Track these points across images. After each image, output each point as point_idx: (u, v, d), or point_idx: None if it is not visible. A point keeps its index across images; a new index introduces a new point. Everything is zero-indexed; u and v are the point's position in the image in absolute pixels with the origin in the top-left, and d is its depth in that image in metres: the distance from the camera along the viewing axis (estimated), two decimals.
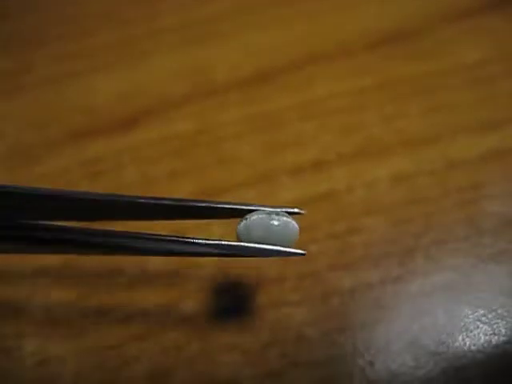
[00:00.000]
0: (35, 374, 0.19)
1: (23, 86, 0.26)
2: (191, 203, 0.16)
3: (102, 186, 0.23)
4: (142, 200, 0.16)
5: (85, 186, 0.22)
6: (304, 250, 0.16)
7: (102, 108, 0.25)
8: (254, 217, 0.15)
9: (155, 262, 0.21)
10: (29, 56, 0.27)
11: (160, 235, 0.15)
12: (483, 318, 0.19)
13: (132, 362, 0.19)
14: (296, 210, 0.16)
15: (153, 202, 0.16)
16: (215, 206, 0.16)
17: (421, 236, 0.21)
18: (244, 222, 0.16)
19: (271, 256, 0.15)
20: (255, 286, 0.20)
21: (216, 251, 0.15)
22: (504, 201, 0.21)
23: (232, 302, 0.20)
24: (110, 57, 0.27)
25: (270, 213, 0.16)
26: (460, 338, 0.19)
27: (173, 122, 0.24)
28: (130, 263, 0.21)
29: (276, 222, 0.15)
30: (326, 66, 0.25)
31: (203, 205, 0.16)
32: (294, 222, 0.16)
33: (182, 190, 0.22)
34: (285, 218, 0.16)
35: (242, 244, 0.15)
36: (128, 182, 0.23)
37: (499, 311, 0.19)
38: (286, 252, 0.15)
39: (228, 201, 0.16)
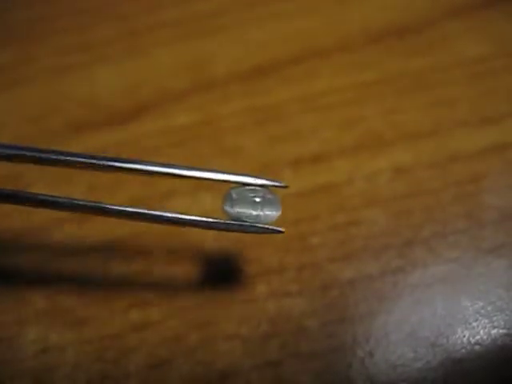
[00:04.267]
0: (35, 363, 0.19)
1: (23, 79, 0.26)
2: (176, 170, 0.17)
3: (102, 178, 0.23)
4: (121, 164, 0.16)
5: (85, 177, 0.22)
6: (283, 228, 0.17)
7: (103, 101, 0.25)
8: (238, 208, 0.16)
9: (156, 252, 0.21)
10: (29, 49, 0.27)
11: (145, 209, 0.16)
12: (482, 311, 0.19)
13: (131, 351, 0.19)
14: (281, 184, 0.17)
15: (138, 166, 0.16)
16: (200, 175, 0.17)
17: (421, 228, 0.21)
18: (229, 209, 0.16)
19: (251, 232, 0.16)
20: (255, 276, 0.20)
21: (200, 225, 0.16)
22: (504, 194, 0.21)
23: (232, 293, 0.20)
24: (111, 50, 0.27)
25: (254, 190, 0.16)
26: (459, 330, 0.19)
27: (174, 115, 0.24)
28: (130, 253, 0.21)
29: (257, 199, 0.16)
30: (326, 60, 0.25)
31: (189, 174, 0.17)
32: (277, 212, 0.16)
33: (182, 182, 0.22)
34: (268, 213, 0.16)
35: (224, 221, 0.16)
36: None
37: (498, 304, 0.19)
38: (264, 229, 0.16)
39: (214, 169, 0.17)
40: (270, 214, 0.16)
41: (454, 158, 0.22)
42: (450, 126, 0.23)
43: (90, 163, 0.16)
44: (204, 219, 0.16)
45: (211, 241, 0.21)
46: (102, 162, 0.16)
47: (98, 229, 0.21)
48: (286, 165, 0.22)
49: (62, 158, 0.16)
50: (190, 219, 0.16)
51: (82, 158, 0.16)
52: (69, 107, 0.25)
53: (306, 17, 0.27)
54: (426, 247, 0.20)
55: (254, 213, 0.16)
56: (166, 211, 0.16)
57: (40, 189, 0.22)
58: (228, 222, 0.16)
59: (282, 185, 0.17)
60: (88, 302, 0.20)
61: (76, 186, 0.22)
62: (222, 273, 0.20)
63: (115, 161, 0.16)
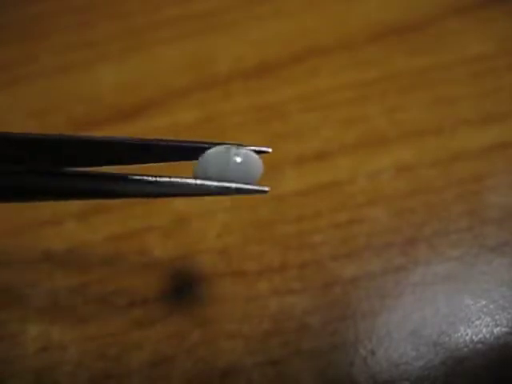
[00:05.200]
0: (37, 361, 0.19)
1: (26, 76, 0.26)
2: (152, 142, 0.15)
3: None
4: (98, 139, 0.15)
5: None
6: (267, 187, 0.14)
7: (105, 98, 0.25)
8: (211, 152, 0.14)
9: (157, 250, 0.21)
10: (32, 47, 0.27)
11: (119, 174, 0.14)
12: (485, 309, 0.19)
13: (134, 349, 0.19)
14: (263, 149, 0.15)
15: (112, 140, 0.15)
16: (175, 144, 0.15)
17: (423, 226, 0.21)
18: (200, 158, 0.14)
19: (230, 194, 0.14)
20: (257, 274, 0.20)
21: (168, 190, 0.14)
22: (506, 192, 0.21)
23: (234, 291, 0.20)
24: (114, 47, 0.27)
25: (228, 148, 0.14)
26: (461, 328, 0.19)
27: (176, 112, 0.24)
28: (131, 251, 0.21)
29: (237, 158, 0.14)
30: (329, 58, 0.25)
31: (164, 144, 0.15)
32: (256, 157, 0.14)
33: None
34: (246, 152, 0.14)
35: (196, 182, 0.14)
36: (130, 171, 0.23)
37: (501, 302, 0.19)
38: (246, 189, 0.14)
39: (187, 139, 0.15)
40: (253, 172, 0.14)
41: (457, 156, 0.22)
42: (453, 125, 0.23)
43: None
44: (186, 181, 0.14)
45: (212, 239, 0.21)
46: None
47: (99, 225, 0.21)
48: (289, 163, 0.22)
49: None
50: (167, 181, 0.14)
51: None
52: (71, 104, 0.25)
53: (307, 15, 0.27)
54: (428, 245, 0.20)
55: (227, 154, 0.14)
56: (134, 174, 0.14)
57: None
58: (212, 184, 0.14)
59: (264, 149, 0.15)
60: (89, 300, 0.20)
61: None
62: (223, 270, 0.20)
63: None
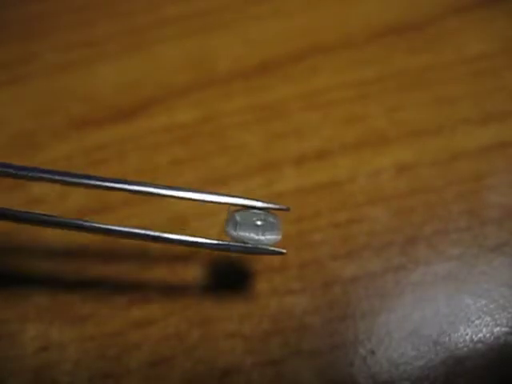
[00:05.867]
0: (36, 360, 0.19)
1: (25, 75, 0.26)
2: (175, 192, 0.17)
3: (104, 175, 0.22)
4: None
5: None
6: (284, 249, 0.17)
7: (105, 97, 0.25)
8: (241, 232, 0.17)
9: (157, 250, 0.21)
10: (31, 45, 0.27)
11: (156, 232, 0.17)
12: (485, 309, 0.19)
13: (133, 349, 0.19)
14: (283, 207, 0.17)
15: (139, 188, 0.17)
16: (204, 198, 0.17)
17: (423, 226, 0.21)
18: (232, 232, 0.17)
19: (253, 253, 0.17)
20: (257, 273, 0.20)
21: (203, 246, 0.17)
22: (506, 192, 0.21)
23: (233, 290, 0.20)
24: (113, 46, 0.27)
25: (257, 220, 0.17)
26: (461, 328, 0.19)
27: (176, 112, 0.24)
28: (131, 250, 0.21)
29: (260, 223, 0.17)
30: (328, 57, 0.25)
31: (192, 196, 0.17)
32: (278, 236, 0.17)
33: (185, 179, 0.22)
34: (270, 237, 0.17)
35: (228, 243, 0.17)
36: (131, 171, 0.23)
37: (501, 302, 0.19)
38: (267, 251, 0.17)
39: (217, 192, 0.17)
40: (271, 238, 0.17)
41: (457, 155, 0.22)
42: (453, 124, 0.23)
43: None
44: (207, 241, 0.17)
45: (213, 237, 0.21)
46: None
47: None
48: (288, 162, 0.22)
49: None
50: (192, 241, 0.17)
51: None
52: (70, 104, 0.25)
53: (307, 14, 0.27)
54: (428, 245, 0.20)
55: (256, 237, 0.17)
56: (168, 232, 0.17)
57: None
58: (231, 243, 0.17)
59: (284, 208, 0.17)
60: (89, 299, 0.20)
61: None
62: (223, 270, 0.20)
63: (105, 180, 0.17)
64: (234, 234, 0.17)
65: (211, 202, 0.17)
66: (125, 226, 0.17)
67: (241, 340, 0.19)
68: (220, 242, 0.17)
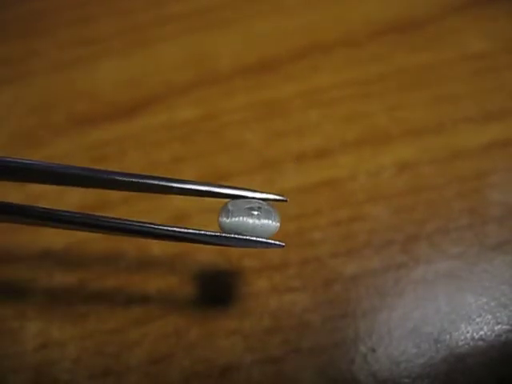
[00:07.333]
0: (36, 357, 0.19)
1: (27, 72, 0.26)
2: (182, 185, 0.16)
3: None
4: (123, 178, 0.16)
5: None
6: (283, 242, 0.16)
7: (106, 94, 0.25)
8: (234, 218, 0.16)
9: (156, 247, 0.21)
10: (32, 43, 0.27)
11: (154, 224, 0.16)
12: (486, 307, 0.19)
13: (132, 346, 0.19)
14: (280, 198, 0.16)
15: (134, 179, 0.16)
16: (201, 188, 0.16)
17: (424, 224, 0.20)
18: (225, 219, 0.16)
19: (251, 247, 0.16)
20: (257, 271, 0.20)
21: (202, 239, 0.16)
22: (507, 190, 0.21)
23: (233, 288, 0.20)
24: (114, 44, 0.27)
25: (251, 210, 0.16)
26: (462, 326, 0.19)
27: (177, 109, 0.24)
28: (130, 248, 0.21)
29: (256, 223, 0.16)
30: (329, 55, 0.25)
31: (188, 187, 0.16)
32: (274, 222, 0.16)
33: (185, 176, 0.22)
34: (264, 221, 0.16)
35: (224, 235, 0.16)
36: (131, 168, 0.23)
37: (502, 300, 0.19)
38: (265, 243, 0.16)
39: (214, 184, 0.16)
40: (267, 222, 0.16)
41: (458, 154, 0.22)
42: (454, 122, 0.23)
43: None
44: (202, 232, 0.16)
45: None
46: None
47: None
48: (289, 160, 0.22)
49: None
50: (186, 232, 0.16)
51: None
52: (72, 100, 0.25)
53: (308, 12, 0.27)
54: (429, 243, 0.20)
55: (251, 222, 0.15)
56: (162, 225, 0.16)
57: None
58: (227, 235, 0.16)
59: (282, 199, 0.16)
60: (88, 297, 0.20)
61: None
62: (223, 268, 0.20)
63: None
64: (227, 221, 0.16)
65: (207, 192, 0.16)
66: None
67: (240, 338, 0.19)
68: (215, 234, 0.16)
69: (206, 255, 0.21)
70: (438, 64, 0.25)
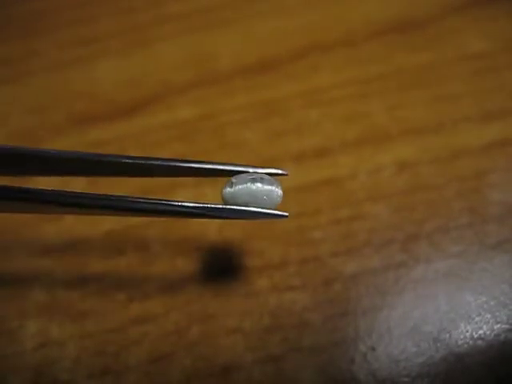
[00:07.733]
0: (36, 356, 0.19)
1: (26, 72, 0.26)
2: (180, 163, 0.17)
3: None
4: (130, 160, 0.16)
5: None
6: (286, 212, 0.16)
7: (106, 94, 0.25)
8: (238, 185, 0.16)
9: (156, 245, 0.21)
10: (32, 42, 0.27)
11: (152, 198, 0.16)
12: (485, 306, 0.19)
13: (133, 345, 0.19)
14: (280, 172, 0.17)
15: (143, 162, 0.16)
16: (203, 166, 0.17)
17: (424, 223, 0.21)
18: (229, 189, 0.16)
19: (256, 218, 0.16)
20: (257, 270, 0.20)
21: (203, 212, 0.16)
22: (507, 189, 0.21)
23: (233, 286, 0.20)
24: (115, 43, 0.27)
25: (254, 179, 0.16)
26: (462, 325, 0.19)
27: (176, 108, 0.24)
28: (131, 245, 0.21)
29: (260, 189, 0.16)
30: (329, 55, 0.25)
31: (192, 165, 0.17)
32: (277, 189, 0.16)
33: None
34: (268, 187, 0.16)
35: (228, 207, 0.16)
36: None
37: (501, 299, 0.19)
38: (269, 214, 0.16)
39: (216, 161, 0.17)
40: (271, 188, 0.16)
41: (458, 153, 0.22)
42: (454, 122, 0.23)
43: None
44: (207, 205, 0.16)
45: (213, 234, 0.21)
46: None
47: (99, 221, 0.21)
48: (289, 159, 0.22)
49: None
50: (189, 206, 0.16)
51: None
52: (71, 100, 0.25)
53: (308, 12, 0.27)
54: (429, 242, 0.20)
55: (254, 187, 0.16)
56: (163, 199, 0.16)
57: None
58: (229, 207, 0.16)
59: (281, 172, 0.17)
60: (88, 296, 0.20)
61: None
62: (223, 266, 0.20)
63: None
64: (231, 190, 0.16)
65: (208, 169, 0.16)
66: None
67: (241, 336, 0.19)
68: (218, 206, 0.16)
69: (207, 254, 0.21)
70: (438, 64, 0.25)
